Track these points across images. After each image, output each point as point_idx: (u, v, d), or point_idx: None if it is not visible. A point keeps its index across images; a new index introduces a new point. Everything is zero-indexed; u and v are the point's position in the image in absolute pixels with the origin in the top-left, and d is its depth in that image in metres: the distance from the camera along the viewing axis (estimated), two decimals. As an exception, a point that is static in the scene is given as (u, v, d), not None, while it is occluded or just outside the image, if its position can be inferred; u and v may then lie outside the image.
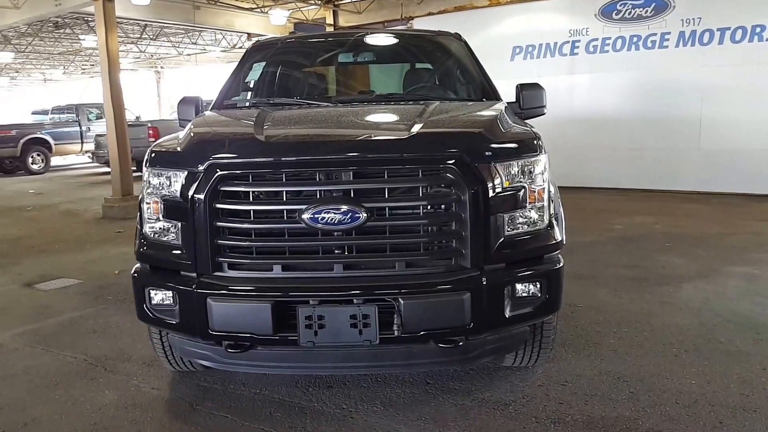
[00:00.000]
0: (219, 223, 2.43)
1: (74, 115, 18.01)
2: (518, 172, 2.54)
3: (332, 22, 15.49)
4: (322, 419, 2.72)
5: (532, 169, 2.58)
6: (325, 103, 3.47)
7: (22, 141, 16.34)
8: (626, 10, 9.70)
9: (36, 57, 23.96)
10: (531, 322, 2.69)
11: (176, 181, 2.51)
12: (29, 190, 12.61)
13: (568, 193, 9.90)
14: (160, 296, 2.58)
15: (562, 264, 2.66)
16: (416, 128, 2.59)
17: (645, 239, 6.27)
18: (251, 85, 3.92)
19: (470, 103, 3.58)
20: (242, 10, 15.13)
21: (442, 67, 4.09)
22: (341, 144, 2.57)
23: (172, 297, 2.53)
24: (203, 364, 2.86)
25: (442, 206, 2.44)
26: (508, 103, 3.83)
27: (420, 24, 12.66)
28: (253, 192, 2.42)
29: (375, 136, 2.70)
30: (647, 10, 9.53)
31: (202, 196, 2.42)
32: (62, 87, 34.32)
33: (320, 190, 2.38)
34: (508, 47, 11.22)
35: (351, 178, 2.38)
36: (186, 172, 2.48)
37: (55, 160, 17.92)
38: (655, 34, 9.49)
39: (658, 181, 9.63)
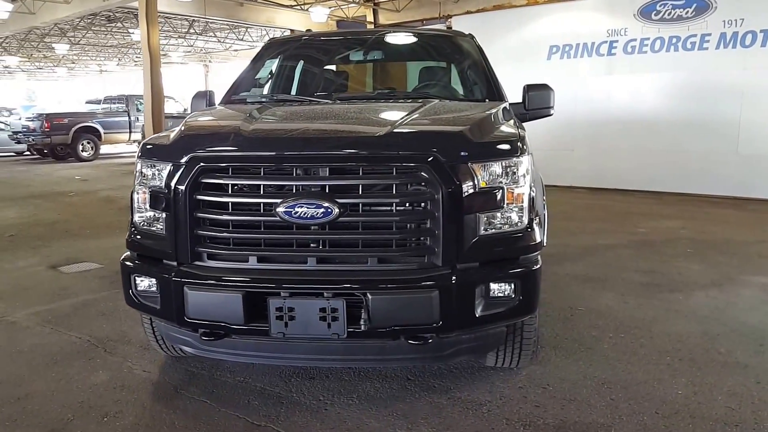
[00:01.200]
0: (199, 214, 2.52)
1: (123, 105, 18.63)
2: (496, 172, 2.53)
3: (372, 20, 15.57)
4: (297, 409, 2.78)
5: (511, 171, 2.57)
6: (325, 100, 3.52)
7: (73, 129, 17.04)
8: (666, 10, 9.42)
9: (90, 49, 24.90)
10: (504, 323, 2.68)
11: (162, 172, 2.60)
12: (75, 176, 13.15)
13: (600, 194, 9.86)
14: (145, 283, 2.68)
15: (539, 266, 2.64)
16: (396, 126, 2.62)
17: (668, 244, 6.10)
18: (261, 82, 4.01)
19: (469, 102, 3.58)
20: (284, 7, 15.37)
21: (450, 66, 4.10)
22: (318, 140, 2.62)
23: (155, 284, 2.63)
24: (185, 350, 2.96)
25: (415, 204, 2.46)
26: (512, 104, 3.82)
27: (458, 22, 12.58)
28: (231, 184, 2.49)
29: (353, 134, 2.73)
30: (688, 11, 9.24)
31: (183, 187, 2.51)
32: (117, 78, 35.54)
33: (296, 185, 2.44)
34: (545, 46, 11.06)
35: (326, 174, 2.43)
36: (171, 164, 2.57)
37: (104, 149, 18.59)
38: (695, 36, 9.20)
39: (693, 185, 9.34)
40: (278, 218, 2.40)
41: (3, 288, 4.77)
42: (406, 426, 2.64)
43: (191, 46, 24.87)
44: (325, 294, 2.40)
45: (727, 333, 3.67)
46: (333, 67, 4.31)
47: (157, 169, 2.63)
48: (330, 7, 15.29)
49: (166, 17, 17.58)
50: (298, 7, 15.25)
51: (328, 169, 2.43)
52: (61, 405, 2.84)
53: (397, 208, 2.45)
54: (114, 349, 3.49)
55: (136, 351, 3.45)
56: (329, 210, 2.37)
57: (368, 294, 2.38)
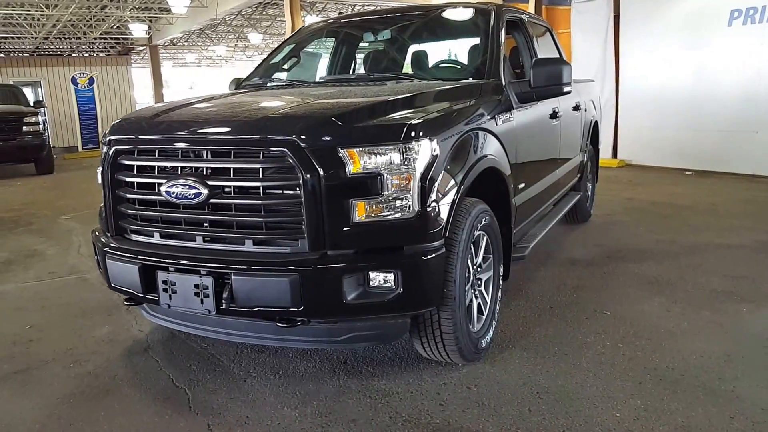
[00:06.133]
0: (118, 192, 2.82)
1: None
2: (375, 158, 2.43)
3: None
4: (221, 378, 2.96)
5: (396, 157, 2.44)
6: (305, 84, 3.62)
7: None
8: None
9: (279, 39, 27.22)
10: (385, 314, 2.57)
11: (104, 154, 2.95)
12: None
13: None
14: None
15: (429, 257, 2.48)
16: (280, 111, 2.63)
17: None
18: (269, 66, 4.20)
19: (436, 82, 3.41)
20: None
21: (448, 43, 3.89)
22: (198, 124, 2.74)
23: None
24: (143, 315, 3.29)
25: (281, 189, 2.47)
26: (518, 81, 3.55)
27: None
28: (136, 165, 2.74)
29: (231, 118, 2.78)
30: None
31: (107, 167, 2.83)
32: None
33: (179, 167, 2.61)
34: (725, 11, 9.47)
35: (202, 156, 2.56)
36: (104, 147, 2.91)
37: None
38: None
39: None
40: (164, 197, 2.60)
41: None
42: (295, 404, 2.68)
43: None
44: (201, 272, 2.54)
45: (753, 357, 3.00)
46: (344, 51, 4.33)
47: (102, 152, 2.98)
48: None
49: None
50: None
51: (205, 152, 2.55)
52: (53, 350, 3.38)
53: (265, 192, 2.48)
54: (134, 309, 3.99)
55: (149, 312, 3.92)
56: (199, 192, 2.50)
57: (232, 275, 2.46)
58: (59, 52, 23.06)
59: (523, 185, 3.60)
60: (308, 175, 2.37)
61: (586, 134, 5.58)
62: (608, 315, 3.64)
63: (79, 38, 21.15)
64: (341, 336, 2.66)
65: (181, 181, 2.53)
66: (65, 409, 2.73)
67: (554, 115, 4.19)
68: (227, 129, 2.62)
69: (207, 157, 2.55)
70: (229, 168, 2.51)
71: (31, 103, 13.42)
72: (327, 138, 2.42)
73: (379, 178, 2.42)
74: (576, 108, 5.04)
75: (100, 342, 3.48)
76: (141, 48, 23.76)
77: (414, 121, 2.51)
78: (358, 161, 2.41)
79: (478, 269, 3.01)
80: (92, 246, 3.15)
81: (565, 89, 3.52)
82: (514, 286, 4.15)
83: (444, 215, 2.56)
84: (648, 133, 10.24)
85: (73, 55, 23.23)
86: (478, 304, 3.03)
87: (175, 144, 2.64)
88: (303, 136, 2.40)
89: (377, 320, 2.65)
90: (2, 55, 22.42)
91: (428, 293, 2.53)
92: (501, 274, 3.23)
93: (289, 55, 4.21)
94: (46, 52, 22.69)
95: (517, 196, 3.50)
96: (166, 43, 24.52)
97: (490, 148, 3.03)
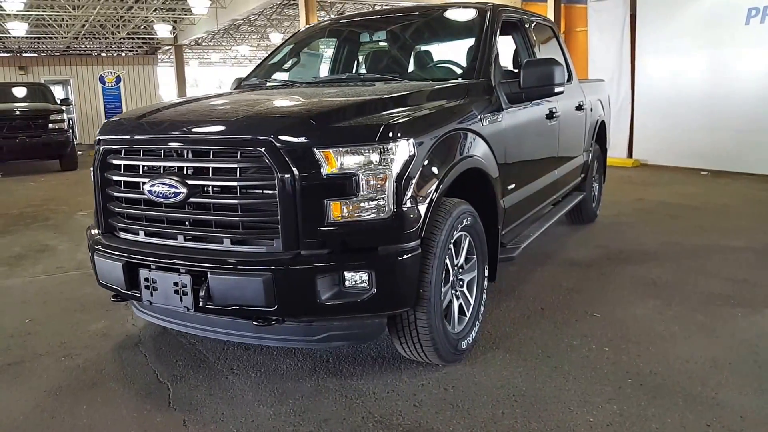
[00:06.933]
0: (107, 190, 2.89)
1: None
2: (351, 159, 2.45)
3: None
4: (205, 374, 3.00)
5: (372, 158, 2.45)
6: (297, 85, 3.65)
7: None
8: None
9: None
10: (360, 315, 2.59)
11: (95, 153, 3.03)
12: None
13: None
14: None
15: (404, 258, 2.49)
16: (258, 111, 2.67)
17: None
18: (267, 66, 4.24)
19: (421, 83, 3.43)
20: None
21: (439, 44, 3.90)
22: (181, 125, 2.77)
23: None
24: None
25: (257, 189, 2.50)
26: (508, 81, 3.55)
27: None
28: (123, 165, 2.81)
29: (212, 119, 2.82)
30: None
31: (98, 166, 2.90)
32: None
33: (161, 166, 2.66)
34: (742, 9, 9.26)
35: (183, 156, 2.61)
36: (96, 146, 2.98)
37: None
38: None
39: None
40: (147, 196, 2.65)
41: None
42: (272, 402, 2.71)
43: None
44: (181, 270, 2.59)
45: (741, 364, 2.94)
46: (340, 52, 4.36)
47: (95, 151, 3.06)
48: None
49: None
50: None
51: (186, 152, 2.60)
52: (48, 343, 3.48)
53: (242, 191, 2.51)
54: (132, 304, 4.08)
55: (145, 307, 4.00)
56: (178, 191, 2.54)
57: (209, 273, 2.51)
58: (88, 52, 23.55)
59: (513, 186, 3.58)
60: (283, 175, 2.40)
61: (591, 134, 5.51)
62: (599, 317, 3.60)
63: (107, 38, 21.57)
64: (318, 335, 2.68)
65: (162, 180, 2.59)
66: (50, 401, 2.80)
67: (551, 116, 4.15)
68: (206, 129, 2.66)
69: (188, 156, 2.60)
70: (208, 168, 2.55)
71: (58, 101, 13.74)
72: (302, 138, 2.44)
73: (354, 178, 2.43)
74: (579, 108, 4.99)
75: (94, 336, 3.56)
76: (167, 48, 24.13)
77: (390, 122, 2.52)
78: (333, 161, 2.43)
79: (460, 270, 3.01)
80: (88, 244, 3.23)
81: (557, 90, 3.49)
82: (507, 287, 4.13)
83: (420, 216, 2.57)
84: (663, 132, 10.08)
85: (102, 54, 23.70)
86: (460, 305, 3.03)
87: (158, 144, 2.69)
88: (278, 137, 2.43)
89: (354, 320, 2.67)
90: (34, 54, 22.97)
91: (403, 294, 2.54)
92: (486, 275, 3.22)
93: (288, 56, 4.25)
94: (76, 52, 23.19)
95: (507, 197, 3.49)
96: (192, 43, 24.86)
97: (474, 148, 3.03)
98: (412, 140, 2.55)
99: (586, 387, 2.76)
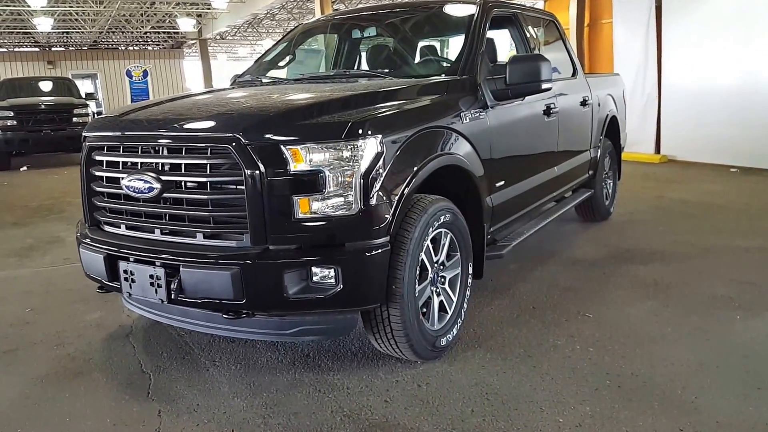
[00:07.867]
0: (91, 185, 2.96)
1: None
2: (317, 156, 2.46)
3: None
4: (187, 366, 3.06)
5: (338, 155, 2.46)
6: (283, 82, 3.68)
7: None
8: None
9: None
10: (327, 310, 2.60)
11: (82, 150, 3.09)
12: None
13: None
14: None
15: (370, 254, 2.49)
16: (230, 109, 2.71)
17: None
18: (261, 63, 4.27)
19: (403, 79, 3.44)
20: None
21: (428, 41, 3.88)
22: (157, 122, 2.81)
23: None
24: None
25: (226, 185, 2.53)
26: (494, 78, 3.51)
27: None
28: (105, 161, 2.87)
29: (187, 116, 2.84)
30: None
31: (84, 162, 2.97)
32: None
33: (139, 162, 2.71)
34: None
35: (158, 153, 2.65)
36: (83, 143, 3.05)
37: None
38: None
39: None
40: (125, 191, 2.71)
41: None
42: (246, 395, 2.75)
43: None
44: (156, 263, 2.64)
45: (729, 368, 2.87)
46: (333, 48, 4.36)
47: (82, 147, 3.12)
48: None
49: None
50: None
51: (161, 148, 2.64)
52: (43, 332, 3.58)
53: (212, 187, 2.55)
54: (131, 295, 4.17)
55: (142, 299, 4.08)
56: (152, 186, 2.59)
57: (180, 266, 2.55)
58: (115, 46, 24.00)
59: (502, 183, 3.54)
60: (250, 172, 2.42)
61: (600, 129, 5.41)
62: (591, 318, 3.54)
63: (133, 32, 21.99)
64: (290, 329, 2.71)
65: (138, 176, 2.64)
66: (36, 389, 2.89)
67: (548, 112, 4.08)
68: (180, 126, 2.70)
69: (162, 153, 2.65)
70: (181, 164, 2.59)
71: (83, 95, 14.06)
72: (269, 135, 2.47)
73: (321, 175, 2.45)
74: (584, 103, 4.90)
75: (88, 326, 3.65)
76: (192, 41, 24.48)
77: (357, 120, 2.52)
78: (300, 158, 2.44)
79: (441, 267, 3.00)
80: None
81: (543, 86, 3.42)
82: (503, 285, 4.10)
83: (389, 213, 2.56)
84: (692, 127, 9.79)
85: (129, 48, 24.14)
86: (441, 302, 3.01)
87: (136, 141, 2.75)
88: (246, 133, 2.45)
89: (324, 315, 2.68)
90: (62, 49, 23.52)
91: (370, 290, 2.55)
92: (471, 272, 3.19)
93: (282, 53, 4.27)
94: (104, 46, 23.67)
95: (495, 195, 3.45)
96: (217, 37, 25.17)
97: (453, 146, 3.00)
98: (380, 137, 2.55)
99: (562, 387, 2.73)
